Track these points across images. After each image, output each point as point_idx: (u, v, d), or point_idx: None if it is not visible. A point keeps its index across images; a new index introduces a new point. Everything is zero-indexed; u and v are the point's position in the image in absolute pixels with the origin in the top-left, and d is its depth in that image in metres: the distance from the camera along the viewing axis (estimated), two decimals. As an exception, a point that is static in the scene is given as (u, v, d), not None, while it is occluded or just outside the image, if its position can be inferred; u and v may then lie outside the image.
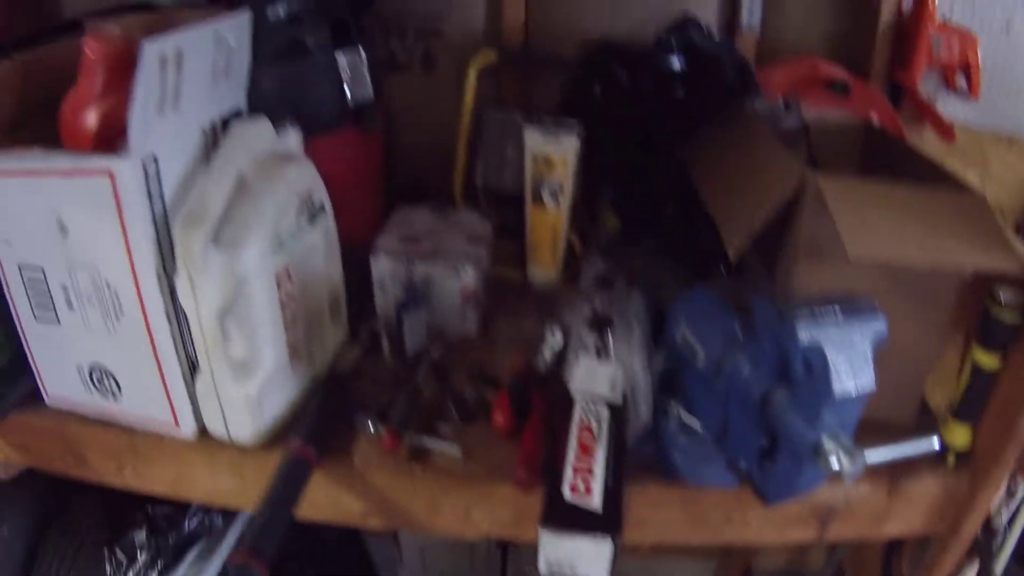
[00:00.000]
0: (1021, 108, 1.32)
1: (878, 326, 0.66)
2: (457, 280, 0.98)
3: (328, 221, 0.88)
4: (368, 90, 0.97)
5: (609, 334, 0.91)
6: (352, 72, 0.96)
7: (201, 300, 0.72)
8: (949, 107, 1.28)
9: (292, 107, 0.88)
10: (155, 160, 0.70)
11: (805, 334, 0.63)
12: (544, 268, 1.11)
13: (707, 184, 0.94)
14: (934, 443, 0.72)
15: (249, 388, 0.76)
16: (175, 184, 0.74)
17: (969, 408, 0.82)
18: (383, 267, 0.97)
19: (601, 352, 0.88)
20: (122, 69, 0.69)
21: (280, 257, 0.78)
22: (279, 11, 0.91)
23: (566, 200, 1.05)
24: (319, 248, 0.87)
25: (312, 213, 0.84)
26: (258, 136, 0.78)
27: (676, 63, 1.09)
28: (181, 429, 0.79)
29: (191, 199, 0.72)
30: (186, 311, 0.73)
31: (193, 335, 0.74)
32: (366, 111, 0.98)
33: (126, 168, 0.68)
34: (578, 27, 1.21)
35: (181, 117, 0.74)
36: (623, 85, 1.10)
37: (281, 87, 0.91)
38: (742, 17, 1.21)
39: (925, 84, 1.25)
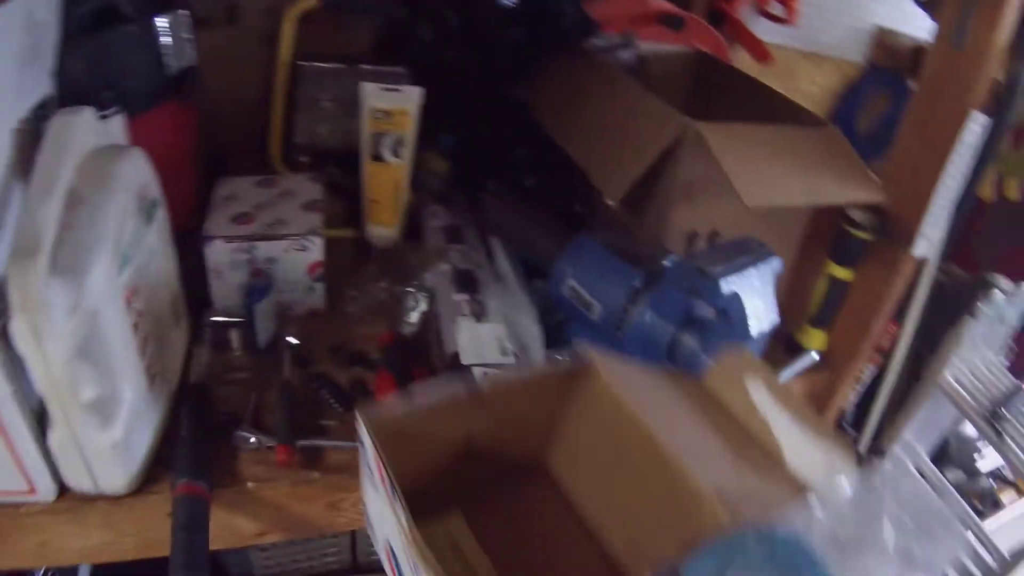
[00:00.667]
0: (825, 29, 1.44)
1: (775, 264, 0.73)
2: (304, 255, 0.90)
3: (161, 213, 0.76)
4: (190, 56, 0.85)
5: (480, 291, 0.89)
6: (173, 34, 0.82)
7: (47, 344, 0.60)
8: (761, 29, 1.35)
9: (107, 85, 0.75)
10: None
11: (726, 287, 0.68)
12: (386, 226, 1.05)
13: (564, 130, 0.92)
14: (814, 356, 0.85)
15: (114, 431, 0.66)
16: (-12, 207, 0.60)
17: (825, 316, 0.94)
18: (220, 254, 0.87)
19: (480, 313, 0.86)
20: None
21: (126, 273, 0.67)
22: None
23: (408, 153, 0.99)
24: (156, 248, 0.76)
25: (148, 211, 0.73)
26: (81, 131, 0.65)
27: (508, 0, 1.05)
28: (39, 495, 0.67)
29: (18, 228, 0.59)
30: (25, 358, 0.61)
31: (38, 384, 0.62)
32: (187, 80, 0.86)
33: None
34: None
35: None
36: (453, 26, 1.05)
37: (93, 63, 0.76)
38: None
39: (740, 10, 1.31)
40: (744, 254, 0.72)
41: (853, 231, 0.87)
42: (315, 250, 0.90)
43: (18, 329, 0.59)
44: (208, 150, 1.02)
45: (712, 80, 1.05)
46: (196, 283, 0.88)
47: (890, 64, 1.66)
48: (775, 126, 0.82)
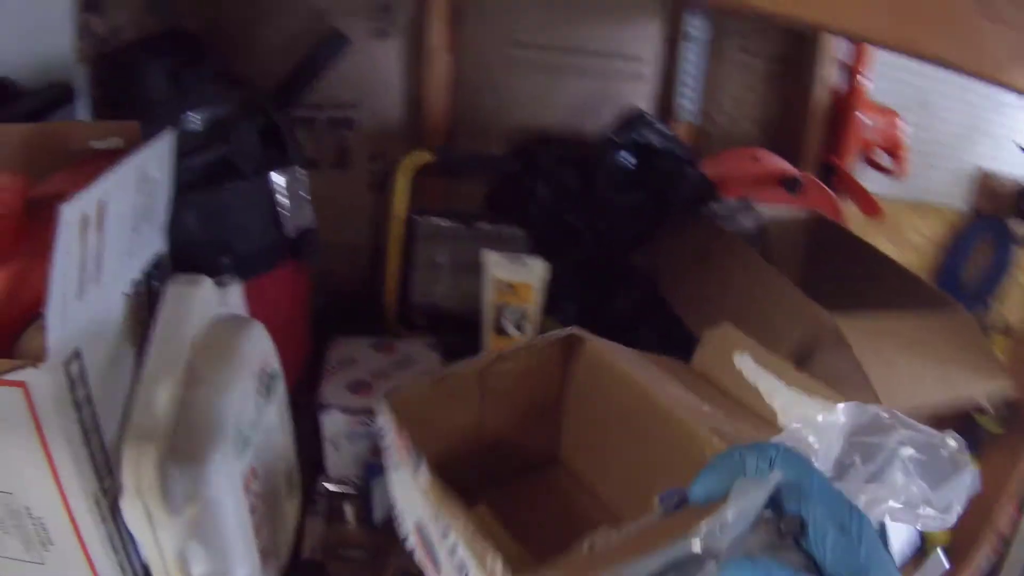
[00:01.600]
0: (929, 177, 1.40)
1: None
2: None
3: (281, 386, 0.71)
4: (309, 214, 0.79)
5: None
6: (291, 193, 0.77)
7: (159, 530, 0.54)
8: (868, 179, 1.29)
9: (222, 246, 0.71)
10: (78, 356, 0.52)
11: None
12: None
13: (691, 309, 0.89)
14: (943, 561, 0.75)
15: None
16: (101, 376, 0.55)
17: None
18: (337, 425, 0.81)
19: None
20: (12, 227, 0.53)
21: (246, 457, 0.61)
22: (197, 120, 0.73)
23: (531, 328, 0.93)
24: (275, 422, 0.70)
25: (268, 386, 0.67)
26: (199, 303, 0.60)
27: (628, 161, 1.01)
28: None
29: (135, 408, 0.53)
30: (137, 538, 0.55)
31: (146, 557, 0.56)
32: (306, 240, 0.80)
33: (44, 378, 0.49)
34: (506, 117, 1.10)
35: (103, 289, 0.55)
36: (571, 186, 1.01)
37: (208, 221, 0.72)
38: (678, 105, 1.16)
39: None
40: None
41: (982, 421, 0.81)
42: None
43: (129, 511, 0.53)
44: (318, 301, 0.98)
45: (828, 243, 1.02)
46: (309, 446, 0.82)
47: (992, 209, 1.59)
48: (905, 313, 0.79)
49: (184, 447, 0.55)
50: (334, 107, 1.04)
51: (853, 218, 1.21)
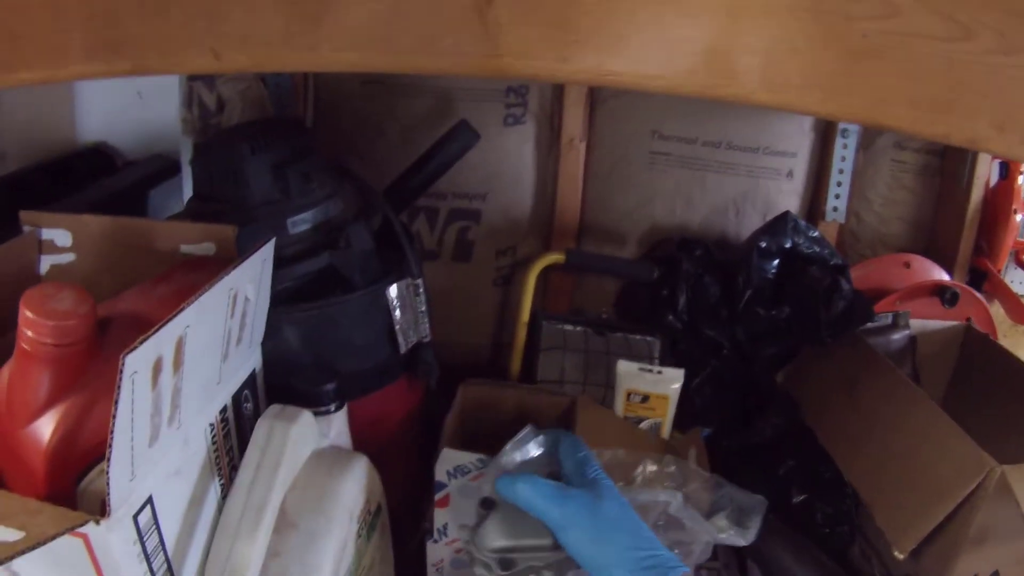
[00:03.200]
0: None
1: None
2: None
3: (385, 518, 0.63)
4: (425, 329, 0.71)
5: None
6: (404, 306, 0.69)
7: None
8: (1017, 282, 1.17)
9: (329, 366, 0.63)
10: (150, 503, 0.46)
11: None
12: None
13: (839, 443, 0.81)
14: None
15: None
16: (179, 517, 0.49)
17: None
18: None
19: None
20: (80, 354, 0.46)
21: (341, 609, 0.53)
22: (305, 222, 0.67)
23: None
24: (376, 559, 0.62)
25: (371, 524, 0.59)
26: (297, 437, 0.54)
27: (773, 268, 0.91)
28: None
29: (211, 565, 0.47)
30: None
31: None
32: (421, 355, 0.72)
33: (107, 535, 0.43)
34: (643, 215, 1.02)
35: (182, 430, 0.49)
36: (713, 296, 0.91)
37: (310, 339, 0.65)
38: (827, 204, 1.05)
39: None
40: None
41: None
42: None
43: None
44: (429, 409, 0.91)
45: (979, 358, 0.94)
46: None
47: None
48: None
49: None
50: (459, 197, 0.99)
51: (1000, 322, 1.09)
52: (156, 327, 0.43)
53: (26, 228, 0.62)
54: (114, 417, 0.40)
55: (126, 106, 1.03)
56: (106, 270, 0.61)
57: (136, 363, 0.41)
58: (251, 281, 0.55)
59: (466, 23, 0.43)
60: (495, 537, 0.55)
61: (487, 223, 1.00)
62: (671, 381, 0.80)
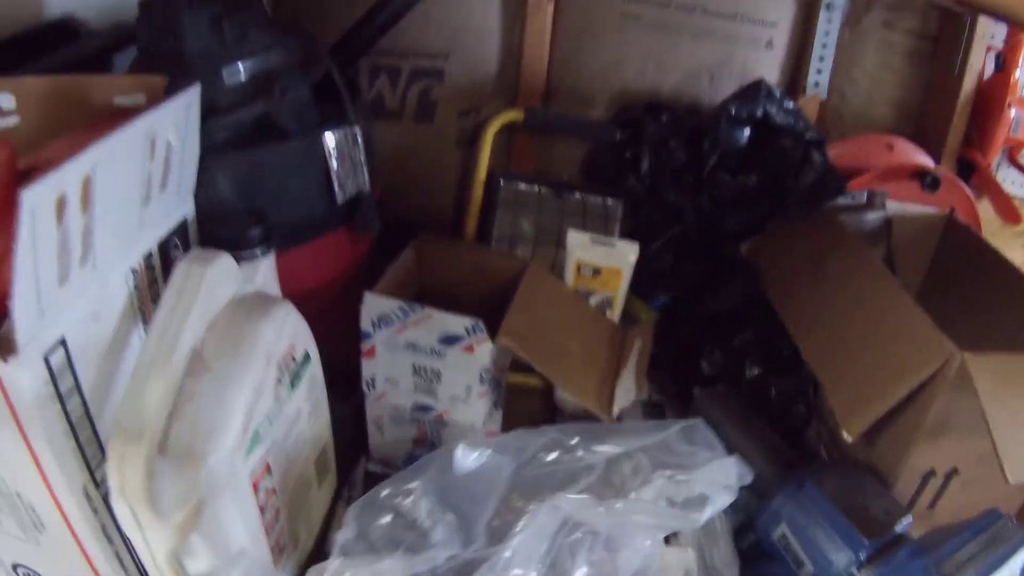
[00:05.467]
0: None
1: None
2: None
3: (314, 369, 0.65)
4: (363, 179, 0.71)
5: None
6: (342, 156, 0.69)
7: (149, 533, 0.49)
8: (1009, 181, 1.15)
9: (258, 212, 0.62)
10: (63, 344, 0.47)
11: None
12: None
13: (798, 320, 0.78)
14: None
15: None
16: (98, 361, 0.51)
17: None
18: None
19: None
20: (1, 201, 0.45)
21: (256, 453, 0.55)
22: (239, 72, 0.65)
23: (615, 316, 0.83)
24: (303, 410, 0.64)
25: (294, 373, 0.61)
26: (215, 279, 0.53)
27: (743, 137, 0.89)
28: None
29: (123, 403, 0.48)
30: (128, 538, 0.50)
31: (141, 559, 0.51)
32: (361, 207, 0.72)
33: (18, 371, 0.44)
34: (611, 79, 0.99)
35: (97, 270, 0.50)
36: (678, 161, 0.89)
37: (242, 185, 0.65)
38: (808, 78, 1.02)
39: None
40: (994, 543, 0.58)
41: None
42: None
43: (117, 511, 0.48)
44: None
45: (959, 250, 0.90)
46: (356, 427, 0.77)
47: None
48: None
49: (179, 446, 0.49)
50: (422, 56, 0.96)
51: (989, 222, 1.08)
52: (57, 164, 0.42)
53: (-29, 92, 0.61)
54: (16, 253, 0.40)
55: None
56: (48, 130, 0.61)
57: (35, 198, 0.41)
58: (173, 126, 0.54)
59: None
60: None
61: (450, 83, 0.98)
62: (626, 254, 0.79)
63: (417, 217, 0.88)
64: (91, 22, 0.98)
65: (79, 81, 0.59)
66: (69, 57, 0.87)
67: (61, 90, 0.58)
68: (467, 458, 0.61)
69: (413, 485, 0.59)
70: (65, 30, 0.99)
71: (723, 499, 0.62)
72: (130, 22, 0.93)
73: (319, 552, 0.69)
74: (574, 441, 0.63)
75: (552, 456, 0.62)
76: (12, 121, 0.61)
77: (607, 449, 0.63)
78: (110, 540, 0.54)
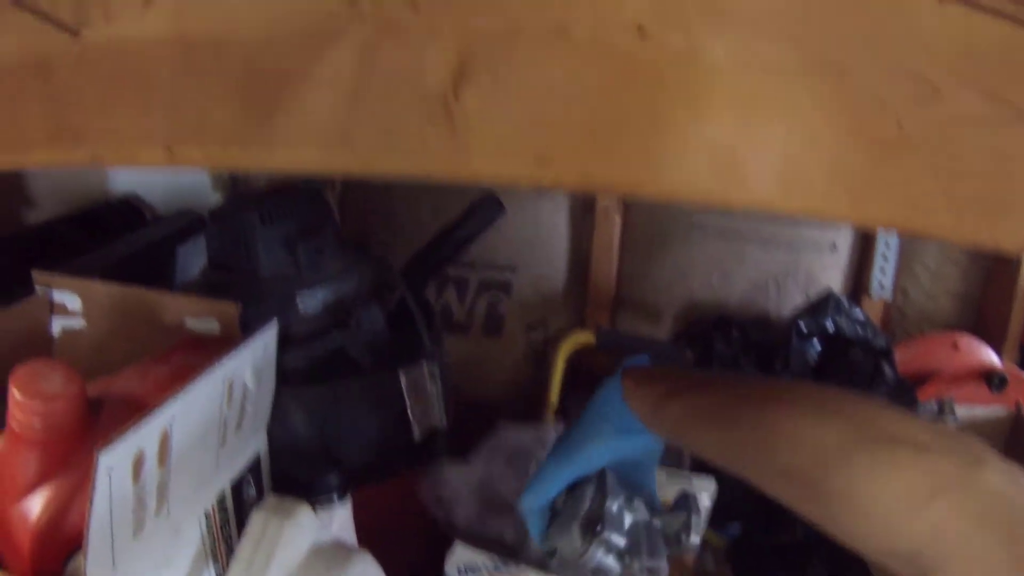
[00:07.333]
0: None
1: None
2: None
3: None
4: (439, 416, 0.68)
5: None
6: (418, 392, 0.66)
7: None
8: None
9: (333, 454, 0.61)
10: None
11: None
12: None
13: None
14: None
15: None
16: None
17: None
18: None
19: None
20: (69, 436, 0.46)
21: None
22: (315, 300, 0.64)
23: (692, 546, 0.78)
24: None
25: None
26: (291, 533, 0.51)
27: (814, 353, 0.86)
28: None
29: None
30: None
31: None
32: (433, 443, 0.68)
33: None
34: (678, 288, 0.99)
35: (171, 517, 0.48)
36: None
37: (314, 424, 0.62)
38: (872, 280, 1.00)
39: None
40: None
41: None
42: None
43: None
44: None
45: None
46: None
47: None
48: None
49: None
50: (490, 268, 0.97)
51: None
52: (134, 422, 0.41)
53: (38, 288, 0.61)
54: (90, 511, 0.39)
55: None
56: (115, 337, 0.61)
57: (112, 460, 0.40)
58: (250, 368, 0.53)
59: (431, 118, 0.40)
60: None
61: (517, 295, 0.98)
62: (703, 488, 0.75)
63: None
64: (154, 203, 1.00)
65: (150, 296, 0.60)
66: (137, 242, 0.88)
67: (131, 301, 0.58)
68: None
69: None
70: (130, 209, 1.03)
71: None
72: (194, 212, 0.95)
73: None
74: None
75: None
76: (78, 323, 0.61)
77: None
78: None
